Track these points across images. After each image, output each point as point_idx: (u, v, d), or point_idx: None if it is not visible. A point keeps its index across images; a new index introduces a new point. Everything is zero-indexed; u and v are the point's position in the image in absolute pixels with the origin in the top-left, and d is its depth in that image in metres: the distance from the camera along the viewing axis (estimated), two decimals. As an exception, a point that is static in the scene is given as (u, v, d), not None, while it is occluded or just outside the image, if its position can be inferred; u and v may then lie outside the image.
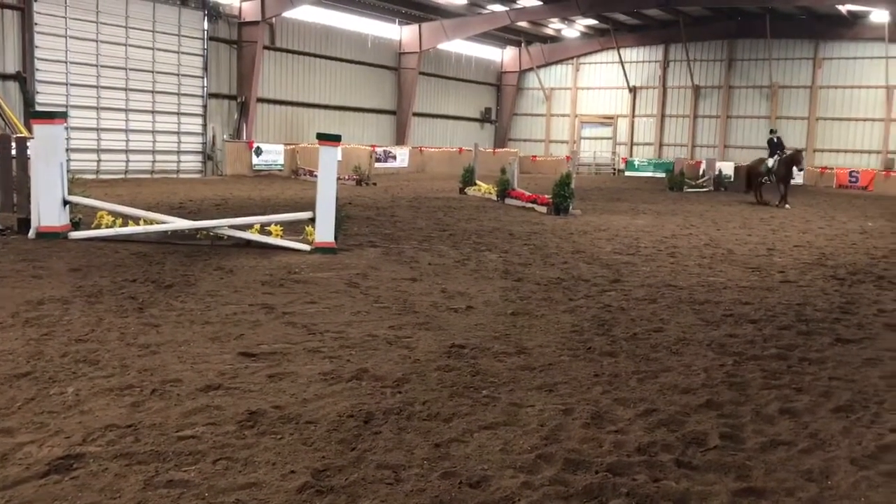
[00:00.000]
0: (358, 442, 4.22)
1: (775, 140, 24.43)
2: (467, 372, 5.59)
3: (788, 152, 23.84)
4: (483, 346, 6.34)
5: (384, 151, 35.24)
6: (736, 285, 9.64)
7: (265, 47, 31.34)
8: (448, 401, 4.95)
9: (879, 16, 34.13)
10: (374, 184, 26.15)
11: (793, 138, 38.73)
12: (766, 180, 24.10)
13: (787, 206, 22.68)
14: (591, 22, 41.35)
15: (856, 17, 35.92)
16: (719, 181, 31.71)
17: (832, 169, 36.62)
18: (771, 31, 37.44)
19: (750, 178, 24.81)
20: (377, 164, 33.05)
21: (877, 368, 6.13)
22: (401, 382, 5.25)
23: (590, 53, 44.59)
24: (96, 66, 24.85)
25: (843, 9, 34.42)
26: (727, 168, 35.75)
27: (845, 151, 37.68)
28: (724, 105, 41.08)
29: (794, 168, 23.59)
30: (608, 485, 3.80)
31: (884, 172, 35.52)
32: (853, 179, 35.62)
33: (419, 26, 38.45)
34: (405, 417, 4.61)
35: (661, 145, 42.96)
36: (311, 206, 11.36)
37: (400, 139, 38.76)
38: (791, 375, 5.84)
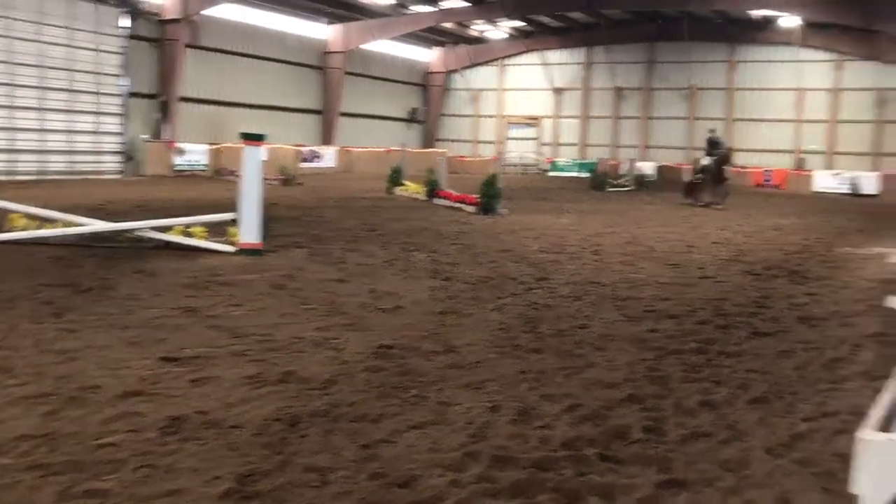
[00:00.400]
0: (284, 445, 4.16)
1: (714, 139, 24.39)
2: (395, 372, 5.58)
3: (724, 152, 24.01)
4: (411, 345, 6.33)
5: (311, 151, 34.90)
6: (657, 282, 9.89)
7: (187, 45, 30.66)
8: (376, 401, 4.93)
9: (790, 21, 35.49)
10: (301, 184, 25.88)
11: (711, 139, 39.91)
12: (700, 179, 23.95)
13: (718, 206, 22.61)
14: (516, 24, 41.84)
15: (768, 22, 37.27)
16: (641, 181, 32.46)
17: (747, 168, 37.90)
18: (689, 35, 38.57)
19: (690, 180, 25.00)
20: (304, 165, 32.71)
21: (790, 360, 6.37)
22: (328, 384, 5.20)
23: (515, 55, 45.12)
24: (8, 63, 23.87)
25: (756, 13, 35.66)
26: (648, 168, 36.66)
27: (760, 151, 39.07)
28: (645, 106, 42.11)
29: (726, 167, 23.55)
30: (535, 480, 3.85)
31: (796, 172, 36.95)
32: (767, 178, 36.95)
33: (345, 26, 38.21)
34: (332, 419, 4.57)
35: (584, 146, 43.75)
36: (234, 206, 11.16)
37: (326, 139, 38.43)
38: (710, 369, 6.02)
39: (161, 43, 30.03)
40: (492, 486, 3.78)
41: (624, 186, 31.60)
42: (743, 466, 4.15)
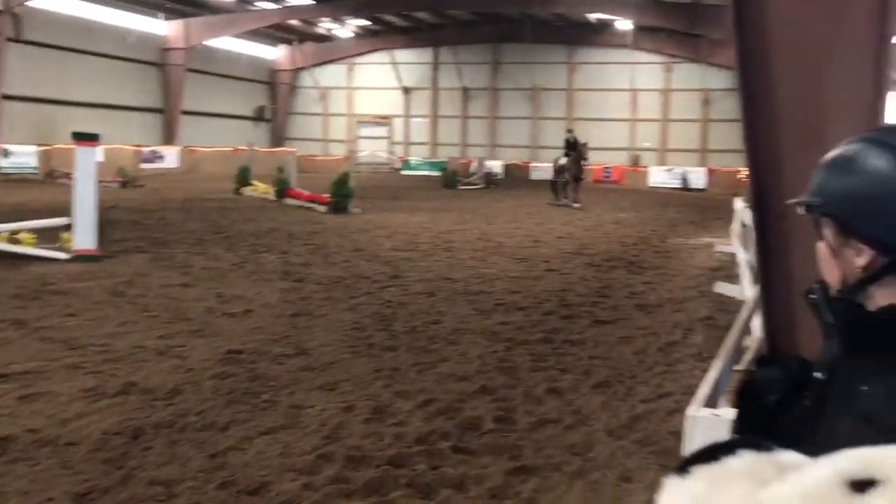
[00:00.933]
0: (126, 460, 3.95)
1: (571, 140, 24.15)
2: (245, 378, 5.42)
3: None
4: (262, 349, 6.18)
5: (151, 152, 33.31)
6: (506, 275, 10.16)
7: (10, 39, 28.44)
8: (224, 409, 4.77)
9: (624, 24, 37.42)
10: (142, 185, 24.67)
11: (554, 137, 41.47)
12: (560, 179, 23.86)
13: (576, 205, 22.33)
14: (363, 23, 41.73)
15: (604, 25, 39.11)
16: (490, 179, 33.25)
17: (589, 165, 39.62)
18: (531, 37, 39.83)
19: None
20: (144, 165, 31.19)
21: (630, 346, 6.72)
22: (173, 394, 4.99)
23: (363, 54, 44.97)
24: None
25: (593, 17, 37.35)
26: (497, 167, 37.60)
27: (599, 149, 40.91)
28: (492, 106, 43.14)
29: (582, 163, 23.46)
30: (389, 477, 3.85)
31: (632, 168, 39.02)
32: (607, 174, 38.77)
33: (186, 21, 36.75)
34: (178, 430, 4.39)
35: (435, 145, 44.27)
36: (68, 211, 10.48)
37: (168, 139, 36.81)
38: (556, 357, 6.25)
39: (-22, 37, 27.73)
40: (346, 487, 3.75)
41: (474, 185, 32.24)
42: (587, 449, 4.33)
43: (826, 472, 0.61)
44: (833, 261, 1.32)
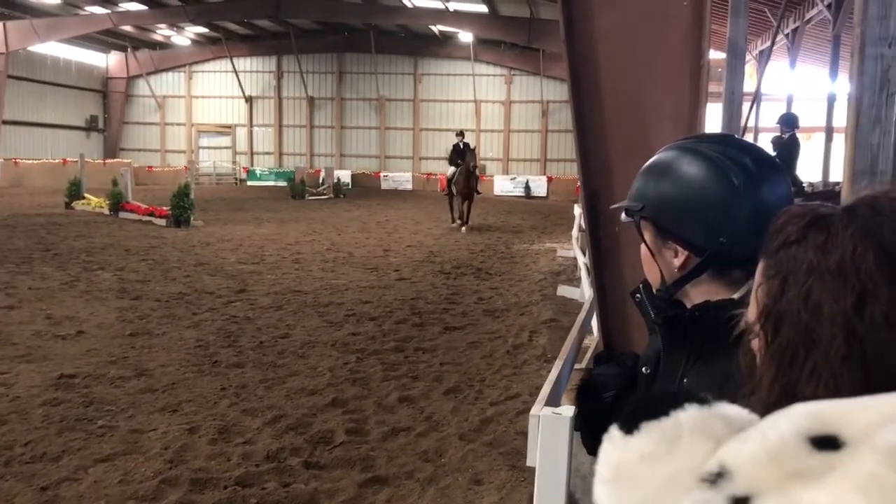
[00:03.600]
0: (-60, 502, 3.61)
1: (461, 146, 19.12)
2: (79, 403, 5.09)
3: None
4: (97, 372, 5.83)
5: (-32, 165, 30.71)
6: (357, 286, 10.11)
7: None
8: (56, 438, 4.46)
9: (466, 37, 38.32)
10: (-43, 202, 22.69)
11: (401, 147, 41.86)
12: (449, 192, 19.45)
13: (463, 228, 18.20)
14: (202, 30, 40.38)
15: (447, 38, 39.88)
16: (338, 189, 33.05)
17: (436, 175, 40.25)
18: (376, 47, 39.98)
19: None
20: (-40, 180, 28.70)
21: (478, 350, 6.87)
22: (-4, 425, 4.61)
23: (203, 62, 43.50)
24: None
25: (436, 29, 38.01)
26: (345, 176, 37.43)
27: (445, 159, 41.67)
28: (338, 116, 42.92)
29: (474, 175, 18.56)
30: (237, 498, 3.73)
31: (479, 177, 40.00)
32: (454, 184, 39.58)
33: (3, 25, 34.19)
34: (3, 463, 4.06)
35: (280, 154, 43.47)
36: None
37: (-12, 151, 34.10)
38: (408, 365, 6.28)
39: None
40: (192, 511, 3.60)
41: (323, 195, 31.92)
42: (439, 455, 4.38)
43: (787, 428, 0.57)
44: (653, 262, 1.41)
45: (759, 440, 0.58)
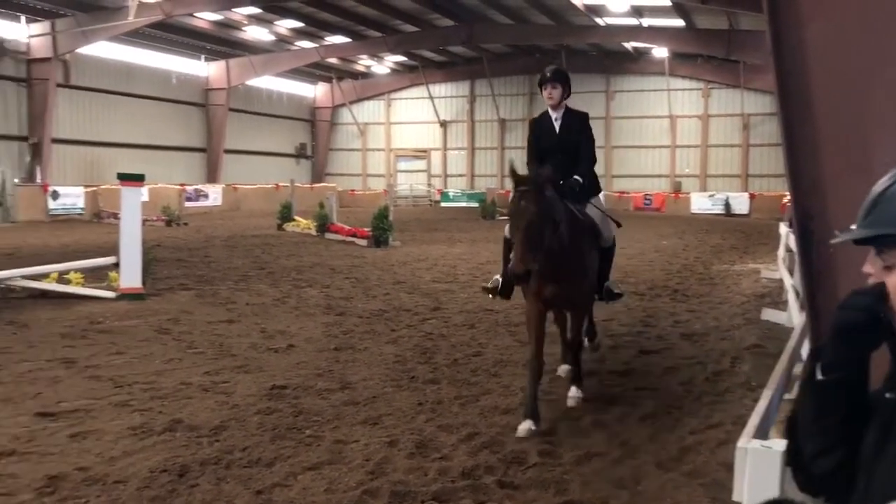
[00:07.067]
0: (173, 497, 3.98)
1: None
2: (289, 413, 5.44)
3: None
4: (305, 384, 6.21)
5: (195, 190, 33.97)
6: (548, 306, 10.07)
7: (59, 85, 29.43)
8: (269, 445, 4.79)
9: (660, 52, 37.37)
10: (186, 224, 25.13)
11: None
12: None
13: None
14: (400, 59, 42.28)
15: (640, 53, 39.10)
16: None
17: (628, 193, 39.42)
18: (567, 66, 39.96)
19: None
20: (188, 204, 31.79)
21: (676, 376, 6.61)
22: (218, 430, 5.02)
23: (401, 89, 45.53)
24: None
25: (629, 46, 37.37)
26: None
27: (639, 176, 40.70)
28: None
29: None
30: (434, 513, 3.82)
31: (673, 195, 38.69)
32: (647, 202, 38.53)
33: (227, 62, 37.64)
34: (224, 466, 4.41)
35: (472, 176, 44.44)
36: (115, 250, 10.71)
37: (212, 177, 37.54)
38: (601, 389, 6.16)
39: (30, 83, 28.72)
40: (391, 523, 3.73)
41: (513, 215, 32.14)
42: (636, 482, 4.25)
43: None
44: None
45: None
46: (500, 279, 6.16)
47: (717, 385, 6.29)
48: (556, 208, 5.18)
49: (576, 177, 5.90)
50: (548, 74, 6.25)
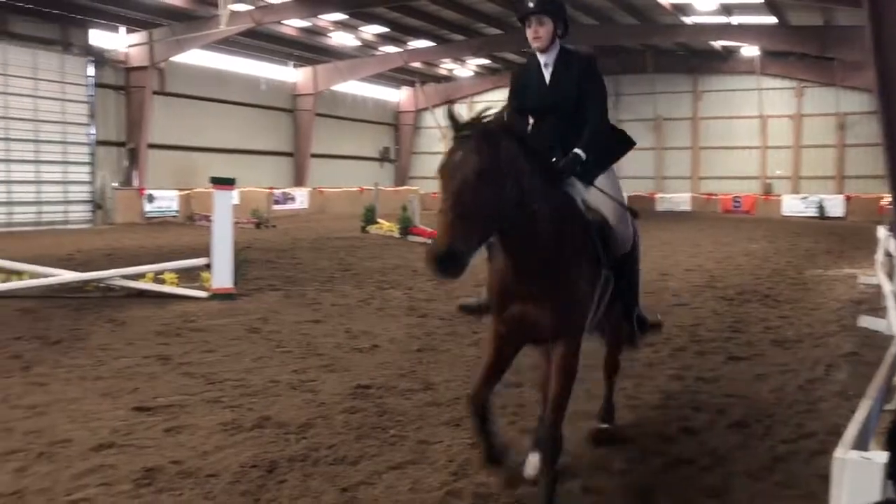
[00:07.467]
0: (262, 492, 4.09)
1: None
2: (374, 412, 5.53)
3: None
4: (389, 384, 6.29)
5: (283, 193, 34.85)
6: (633, 311, 9.91)
7: (155, 92, 30.67)
8: (355, 443, 4.87)
9: (750, 51, 36.30)
10: (274, 226, 25.79)
11: (678, 167, 40.56)
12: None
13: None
14: (483, 62, 42.36)
15: (729, 52, 38.08)
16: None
17: (717, 195, 38.44)
18: (653, 67, 39.26)
19: None
20: (276, 207, 32.64)
21: (766, 383, 6.41)
22: (305, 428, 5.14)
23: (483, 92, 45.59)
24: (-28, 115, 23.70)
25: (717, 44, 36.44)
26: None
27: (727, 178, 39.63)
28: (614, 138, 42.67)
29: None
30: (517, 516, 3.81)
31: (763, 196, 37.53)
32: (736, 204, 37.50)
33: (314, 68, 38.48)
34: (311, 463, 4.51)
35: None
36: (207, 251, 11.08)
37: (299, 181, 38.44)
38: (688, 395, 6.03)
39: (128, 90, 30.04)
40: (474, 524, 3.74)
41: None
42: (725, 491, 4.14)
43: None
44: None
45: None
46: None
47: (810, 394, 6.07)
48: (516, 167, 3.48)
49: (576, 150, 4.13)
50: (530, 4, 4.28)
